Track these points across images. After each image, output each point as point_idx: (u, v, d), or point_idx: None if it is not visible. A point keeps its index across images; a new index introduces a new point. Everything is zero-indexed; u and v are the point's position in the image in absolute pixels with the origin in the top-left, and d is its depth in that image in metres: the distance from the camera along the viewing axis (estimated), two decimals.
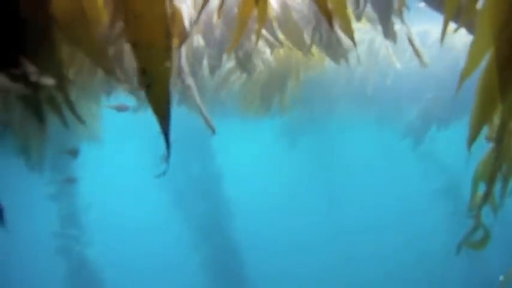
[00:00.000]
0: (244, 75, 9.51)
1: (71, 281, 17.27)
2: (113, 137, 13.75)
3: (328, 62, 10.05)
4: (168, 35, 3.25)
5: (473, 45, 3.10)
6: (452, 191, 19.79)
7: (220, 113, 13.08)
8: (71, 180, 12.80)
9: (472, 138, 3.32)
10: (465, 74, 3.12)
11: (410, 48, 6.57)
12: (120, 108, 11.14)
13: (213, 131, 5.33)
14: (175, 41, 4.64)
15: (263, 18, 4.09)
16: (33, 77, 3.26)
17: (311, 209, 29.42)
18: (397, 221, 26.91)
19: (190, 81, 5.29)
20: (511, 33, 3.00)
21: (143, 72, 3.24)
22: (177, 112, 8.46)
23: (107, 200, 24.01)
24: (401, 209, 27.50)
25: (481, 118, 3.28)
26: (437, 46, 11.88)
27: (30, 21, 3.26)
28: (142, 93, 8.48)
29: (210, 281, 20.26)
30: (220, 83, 10.33)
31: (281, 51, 8.89)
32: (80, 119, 3.85)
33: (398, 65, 11.85)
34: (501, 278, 7.42)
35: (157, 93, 3.33)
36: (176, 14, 4.45)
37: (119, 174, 15.44)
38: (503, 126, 3.41)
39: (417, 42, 6.73)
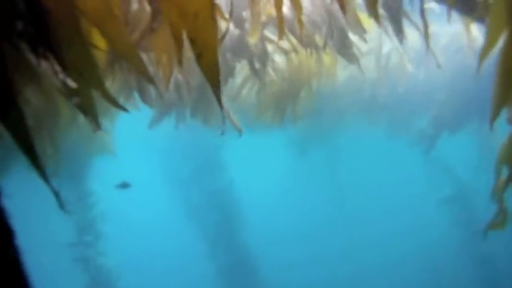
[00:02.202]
0: (257, 85, 9.34)
1: None
2: (126, 150, 13.55)
3: (339, 71, 9.89)
4: (213, 5, 3.22)
5: (490, 26, 2.96)
6: (462, 199, 19.51)
7: (231, 124, 12.94)
8: (125, 186, 12.76)
9: (493, 119, 3.19)
10: (483, 55, 3.00)
11: (419, 54, 6.39)
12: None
13: (240, 132, 5.17)
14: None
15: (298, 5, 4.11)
16: (60, 77, 3.21)
17: (322, 219, 29.22)
18: (407, 230, 26.73)
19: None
20: None
21: (192, 42, 3.24)
22: (189, 124, 8.21)
23: (122, 210, 23.88)
24: (411, 218, 27.29)
25: (502, 99, 3.12)
26: (446, 48, 11.64)
27: (59, 17, 3.21)
28: (167, 99, 8.25)
29: (222, 284, 20.04)
30: (233, 94, 10.14)
31: (294, 60, 8.69)
32: (121, 107, 4.01)
33: (409, 67, 11.61)
34: None
35: (207, 61, 3.31)
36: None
37: (133, 186, 15.29)
38: None
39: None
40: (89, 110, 3.72)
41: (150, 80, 3.67)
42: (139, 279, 21.05)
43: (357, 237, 28.15)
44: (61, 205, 3.47)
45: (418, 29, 6.26)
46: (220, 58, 7.14)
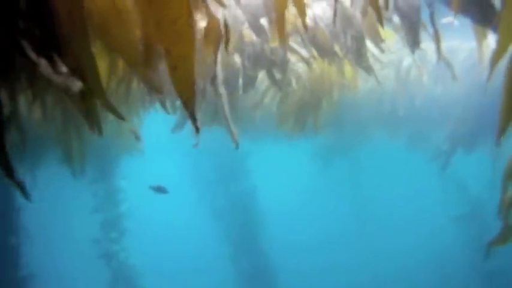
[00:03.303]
0: (279, 94, 9.28)
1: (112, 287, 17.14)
2: (154, 149, 13.55)
3: (361, 83, 9.78)
4: (190, 14, 3.01)
5: (500, 34, 2.80)
6: (476, 216, 19.26)
7: (255, 132, 12.93)
8: (160, 189, 12.80)
9: (500, 134, 3.05)
10: (494, 62, 2.84)
11: (438, 69, 6.29)
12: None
13: (237, 145, 5.04)
14: (209, 48, 4.37)
15: (302, 9, 3.99)
16: (63, 78, 3.07)
17: (341, 229, 29.15)
18: (421, 244, 26.54)
19: (222, 90, 4.98)
20: None
21: (167, 52, 3.05)
22: (216, 132, 8.17)
23: (148, 209, 23.96)
24: (425, 232, 27.09)
25: (509, 113, 2.98)
26: (466, 63, 11.47)
27: (65, 18, 3.07)
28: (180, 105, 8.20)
29: None
30: (255, 102, 10.09)
31: (316, 70, 8.61)
32: (122, 117, 3.61)
33: (425, 79, 11.46)
34: None
35: (182, 74, 3.10)
36: (212, 21, 4.10)
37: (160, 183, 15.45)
38: None
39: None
40: (89, 113, 3.59)
41: (157, 88, 3.53)
42: (160, 278, 21.05)
43: (372, 250, 28.00)
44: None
45: (433, 39, 6.18)
46: (240, 67, 7.12)
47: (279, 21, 4.27)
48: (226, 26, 4.31)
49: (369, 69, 6.99)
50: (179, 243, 29.36)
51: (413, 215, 28.45)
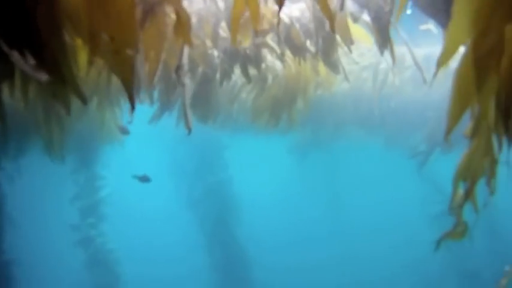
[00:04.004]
0: (256, 90, 9.28)
1: (89, 272, 17.12)
2: (134, 139, 13.56)
3: (336, 83, 9.81)
4: (133, 5, 3.25)
5: (449, 37, 2.83)
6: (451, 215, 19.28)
7: (233, 126, 12.96)
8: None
9: (448, 132, 3.09)
10: (441, 63, 2.90)
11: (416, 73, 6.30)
12: (122, 131, 10.97)
13: (189, 131, 5.06)
14: (179, 40, 4.43)
15: (255, 16, 4.02)
16: (29, 70, 3.18)
17: (315, 223, 29.23)
18: (398, 241, 26.61)
19: (186, 80, 5.00)
20: (487, 25, 2.69)
21: (112, 39, 3.26)
22: (195, 127, 8.16)
23: (126, 196, 23.94)
24: (403, 230, 27.14)
25: (457, 113, 3.04)
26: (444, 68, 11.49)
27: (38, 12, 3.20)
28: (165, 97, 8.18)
29: (217, 278, 20.14)
30: (232, 96, 10.10)
31: (292, 67, 8.62)
32: (85, 101, 3.74)
33: (398, 82, 11.52)
34: (507, 268, 7.01)
35: (123, 59, 3.33)
36: (181, 14, 4.12)
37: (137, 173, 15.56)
38: (478, 121, 3.19)
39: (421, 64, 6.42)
40: (61, 98, 3.69)
41: (128, 81, 3.54)
42: (136, 264, 21.06)
43: (347, 245, 28.07)
44: None
45: (406, 45, 6.21)
46: (215, 61, 7.12)
47: (234, 26, 4.31)
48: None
49: (337, 70, 6.99)
50: (156, 231, 29.39)
51: (389, 211, 28.53)
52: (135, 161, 23.07)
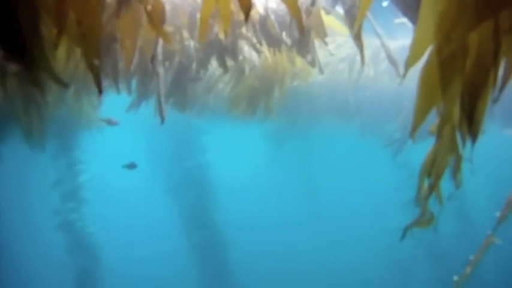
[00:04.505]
0: (233, 80, 9.29)
1: (70, 256, 17.17)
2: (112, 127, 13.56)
3: (313, 74, 9.83)
4: None
5: (415, 39, 2.85)
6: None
7: (210, 114, 13.00)
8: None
9: (414, 129, 3.12)
10: (409, 65, 2.88)
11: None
12: (110, 123, 10.97)
13: (163, 120, 5.10)
14: (152, 28, 4.36)
15: (226, 16, 4.02)
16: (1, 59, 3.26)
17: (290, 208, 29.38)
18: (371, 228, 26.76)
19: (160, 69, 5.01)
20: (451, 30, 2.70)
21: (79, 23, 3.32)
22: (172, 113, 8.15)
23: (106, 181, 23.90)
24: (376, 216, 27.31)
25: (422, 112, 3.07)
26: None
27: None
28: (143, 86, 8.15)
29: (195, 260, 20.29)
30: (209, 86, 10.11)
31: (269, 58, 8.63)
32: (66, 86, 3.75)
33: (371, 72, 11.59)
34: (455, 278, 7.02)
35: (89, 43, 3.38)
36: (156, 3, 4.14)
37: (117, 160, 15.56)
38: (443, 120, 3.22)
39: (396, 56, 6.45)
40: (36, 85, 3.63)
41: (93, 65, 3.53)
42: (116, 247, 21.12)
43: (321, 230, 28.21)
44: None
45: (378, 37, 6.23)
46: (192, 51, 7.12)
47: (202, 26, 4.30)
48: None
49: (312, 62, 7.00)
50: (135, 215, 29.40)
51: (365, 198, 28.71)
52: (114, 147, 23.05)
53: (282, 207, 29.88)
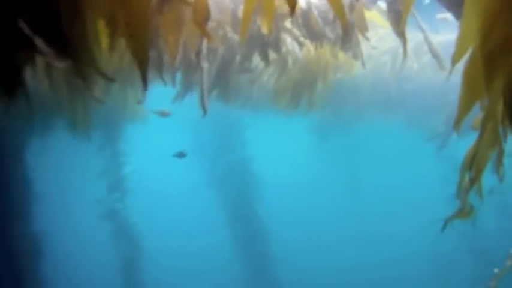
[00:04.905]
0: (276, 72, 9.29)
1: (113, 244, 17.46)
2: (157, 118, 13.69)
3: (356, 67, 9.78)
4: None
5: (460, 34, 2.88)
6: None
7: (254, 106, 13.00)
8: (181, 155, 13.07)
9: (457, 123, 3.16)
10: (455, 60, 2.93)
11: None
12: (163, 114, 11.09)
13: (205, 113, 5.14)
14: (196, 26, 4.41)
15: (270, 11, 4.09)
16: (48, 59, 3.28)
17: (333, 202, 29.25)
18: (415, 221, 26.49)
19: (205, 63, 5.04)
20: (494, 26, 2.69)
21: (126, 24, 3.40)
22: (217, 106, 8.21)
23: (150, 173, 24.10)
24: (420, 211, 27.00)
25: (466, 107, 3.09)
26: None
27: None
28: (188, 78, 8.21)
29: (237, 252, 20.47)
30: (253, 78, 10.14)
31: (311, 51, 8.62)
32: (112, 80, 3.92)
33: (415, 65, 11.45)
34: (495, 270, 6.98)
35: (136, 42, 3.45)
36: (199, 4, 4.17)
37: (161, 152, 15.79)
38: (486, 114, 3.16)
39: (439, 50, 6.38)
40: (83, 81, 3.72)
41: (142, 63, 3.59)
42: (158, 237, 21.33)
43: (364, 224, 28.06)
44: None
45: (422, 31, 6.17)
46: (235, 44, 7.14)
47: (245, 20, 4.29)
48: None
49: (355, 56, 6.97)
50: (178, 206, 29.59)
51: (409, 192, 28.41)
52: (158, 139, 23.24)
53: (325, 201, 29.77)
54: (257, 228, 20.02)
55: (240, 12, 6.45)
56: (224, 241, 20.40)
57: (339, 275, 24.71)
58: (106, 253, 17.48)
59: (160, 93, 9.02)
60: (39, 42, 3.15)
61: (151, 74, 8.47)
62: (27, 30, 3.07)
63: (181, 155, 13.13)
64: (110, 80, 3.76)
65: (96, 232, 17.81)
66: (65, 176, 21.32)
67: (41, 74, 5.40)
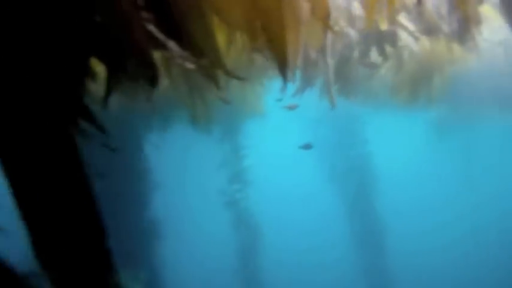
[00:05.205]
0: (393, 67, 9.31)
1: (232, 232, 18.05)
2: (277, 113, 13.93)
3: (471, 60, 9.65)
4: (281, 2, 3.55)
5: None
6: None
7: (373, 102, 12.98)
8: (307, 147, 13.43)
9: None
10: None
11: None
12: (291, 107, 11.34)
13: (333, 106, 5.29)
14: (319, 23, 4.58)
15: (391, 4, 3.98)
16: (180, 60, 3.50)
17: (450, 200, 28.61)
18: None
19: (329, 60, 5.21)
20: None
21: (264, 29, 3.58)
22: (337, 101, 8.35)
23: (269, 166, 24.37)
24: None
25: None
26: None
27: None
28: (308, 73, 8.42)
29: (354, 247, 20.46)
30: (372, 72, 10.17)
31: (426, 44, 8.60)
32: (242, 79, 4.11)
33: None
34: None
35: (276, 44, 3.66)
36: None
37: (281, 146, 16.10)
38: None
39: None
40: (215, 83, 4.02)
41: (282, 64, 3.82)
42: (276, 228, 21.60)
43: (478, 226, 27.32)
44: None
45: None
46: (352, 40, 7.26)
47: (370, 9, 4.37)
48: None
49: (470, 49, 6.93)
50: (297, 200, 29.75)
51: None
52: (277, 134, 23.51)
53: (443, 198, 29.19)
54: (375, 225, 19.95)
55: (354, 9, 6.57)
56: (342, 236, 20.46)
57: (452, 274, 24.27)
58: (224, 240, 17.98)
59: (277, 88, 9.24)
60: (172, 44, 3.35)
61: (272, 72, 8.75)
62: (159, 35, 3.27)
63: (307, 146, 13.32)
64: (240, 79, 3.98)
65: (215, 221, 18.32)
66: (186, 167, 21.96)
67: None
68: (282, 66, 3.72)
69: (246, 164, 17.49)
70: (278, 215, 25.32)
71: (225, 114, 14.11)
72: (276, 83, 9.24)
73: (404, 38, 7.95)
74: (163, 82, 7.63)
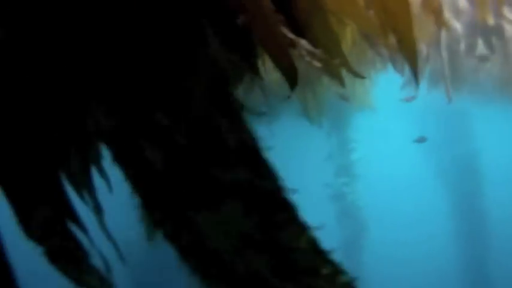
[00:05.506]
0: (499, 60, 9.34)
1: (338, 225, 18.23)
2: (384, 107, 14.10)
3: None
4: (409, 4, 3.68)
5: None
6: None
7: (483, 96, 12.92)
8: (421, 140, 13.68)
9: None
10: None
11: None
12: (408, 100, 11.55)
13: (450, 101, 5.51)
14: (431, 18, 4.73)
15: None
16: (311, 57, 3.61)
17: None
18: None
19: (444, 53, 5.47)
20: None
21: (393, 30, 3.73)
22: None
23: (376, 161, 24.29)
24: None
25: None
26: None
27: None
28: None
29: (455, 244, 20.52)
30: (477, 67, 10.18)
31: None
32: (362, 76, 4.48)
33: None
34: None
35: (406, 45, 3.78)
36: None
37: (388, 141, 16.11)
38: None
39: None
40: (337, 78, 4.23)
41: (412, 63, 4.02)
42: (381, 223, 21.55)
43: None
44: None
45: None
46: (458, 33, 7.48)
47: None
48: None
49: None
50: (402, 195, 29.39)
51: None
52: (386, 128, 23.38)
53: None
54: (480, 223, 19.72)
55: (459, 1, 6.77)
56: (444, 233, 20.30)
57: None
58: (330, 232, 18.19)
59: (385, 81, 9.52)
60: (303, 43, 3.50)
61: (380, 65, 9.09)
62: (290, 34, 3.38)
63: (421, 140, 13.40)
64: (361, 77, 4.37)
65: (320, 213, 18.57)
66: (292, 158, 22.30)
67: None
68: (412, 65, 3.89)
69: (353, 157, 17.66)
70: (383, 210, 25.22)
71: (333, 108, 14.41)
72: (383, 76, 9.60)
73: (510, 31, 8.06)
74: (274, 76, 8.08)
